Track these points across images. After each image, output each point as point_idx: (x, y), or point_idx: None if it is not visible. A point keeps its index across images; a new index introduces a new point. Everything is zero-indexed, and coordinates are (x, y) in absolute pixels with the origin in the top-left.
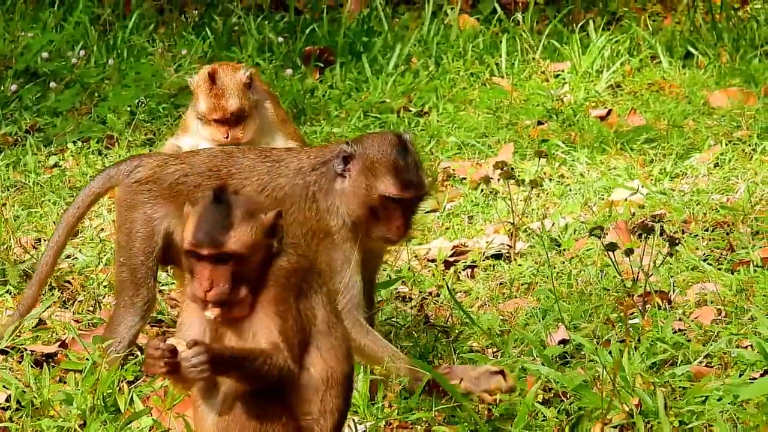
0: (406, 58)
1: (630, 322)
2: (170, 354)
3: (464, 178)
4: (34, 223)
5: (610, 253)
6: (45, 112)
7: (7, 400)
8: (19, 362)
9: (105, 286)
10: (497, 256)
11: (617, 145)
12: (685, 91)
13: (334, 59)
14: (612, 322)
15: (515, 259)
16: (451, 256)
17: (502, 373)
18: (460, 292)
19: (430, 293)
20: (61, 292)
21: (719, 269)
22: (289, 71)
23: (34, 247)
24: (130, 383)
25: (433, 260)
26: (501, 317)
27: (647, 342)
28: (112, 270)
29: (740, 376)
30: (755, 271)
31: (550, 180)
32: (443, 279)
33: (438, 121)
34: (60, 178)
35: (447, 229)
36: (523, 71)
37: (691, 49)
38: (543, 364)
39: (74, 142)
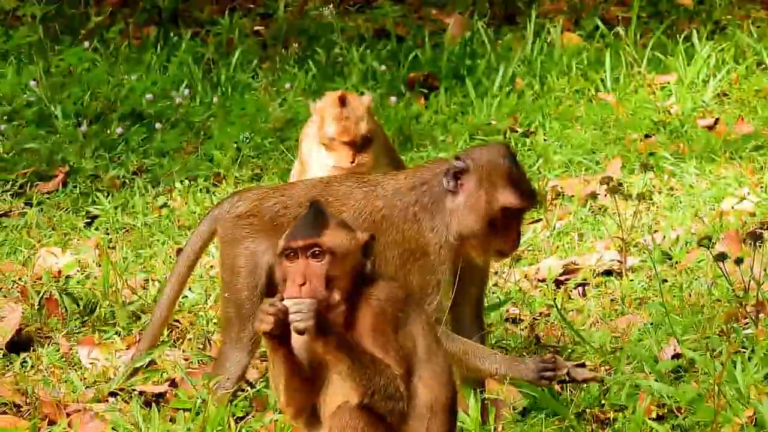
0: (511, 79)
1: (743, 332)
2: (282, 314)
3: (572, 196)
4: (143, 263)
5: (721, 264)
6: (151, 153)
7: None
8: (127, 402)
9: (214, 323)
10: (608, 273)
11: (726, 154)
12: None
13: (439, 84)
14: (725, 333)
15: (626, 275)
16: (561, 274)
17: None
18: (572, 310)
19: (541, 313)
20: (171, 331)
21: None
22: (393, 99)
23: (143, 288)
24: (239, 419)
25: (543, 280)
26: (613, 334)
27: (761, 352)
28: (220, 307)
29: None
30: None
31: (660, 193)
32: (553, 299)
33: (545, 139)
34: (168, 218)
35: (557, 247)
36: (628, 85)
37: None
38: (656, 380)
39: (181, 182)
